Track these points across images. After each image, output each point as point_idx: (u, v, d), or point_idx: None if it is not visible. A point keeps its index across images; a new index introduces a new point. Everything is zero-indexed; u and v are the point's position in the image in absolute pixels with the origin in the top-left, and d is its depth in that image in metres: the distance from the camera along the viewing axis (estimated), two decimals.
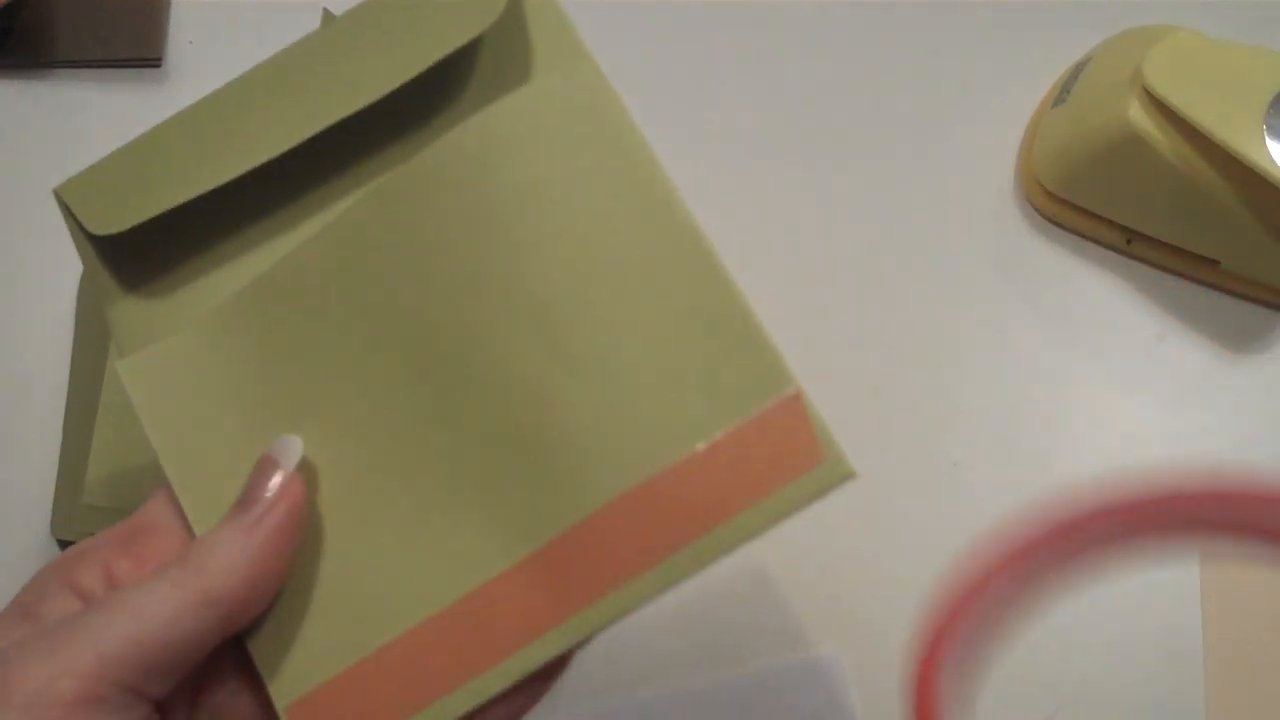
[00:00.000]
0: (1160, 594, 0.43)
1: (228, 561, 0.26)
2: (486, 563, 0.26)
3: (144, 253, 0.30)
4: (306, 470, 0.28)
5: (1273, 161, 0.39)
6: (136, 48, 0.49)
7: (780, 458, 0.24)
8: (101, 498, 0.40)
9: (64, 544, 0.41)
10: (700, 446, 0.25)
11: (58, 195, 0.30)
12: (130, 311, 0.30)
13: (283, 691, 0.27)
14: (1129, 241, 0.46)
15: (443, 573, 0.27)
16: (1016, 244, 0.48)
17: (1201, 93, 0.41)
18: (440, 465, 0.27)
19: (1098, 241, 0.47)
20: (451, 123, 0.28)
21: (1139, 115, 0.42)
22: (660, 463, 0.25)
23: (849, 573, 0.43)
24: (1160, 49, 0.42)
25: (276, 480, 0.27)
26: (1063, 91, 0.47)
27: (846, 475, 0.24)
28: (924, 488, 0.44)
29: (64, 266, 0.46)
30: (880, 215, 0.49)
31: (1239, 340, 0.46)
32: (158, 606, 0.25)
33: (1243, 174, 0.41)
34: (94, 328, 0.44)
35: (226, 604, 0.26)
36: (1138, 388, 0.46)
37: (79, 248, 0.30)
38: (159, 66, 0.49)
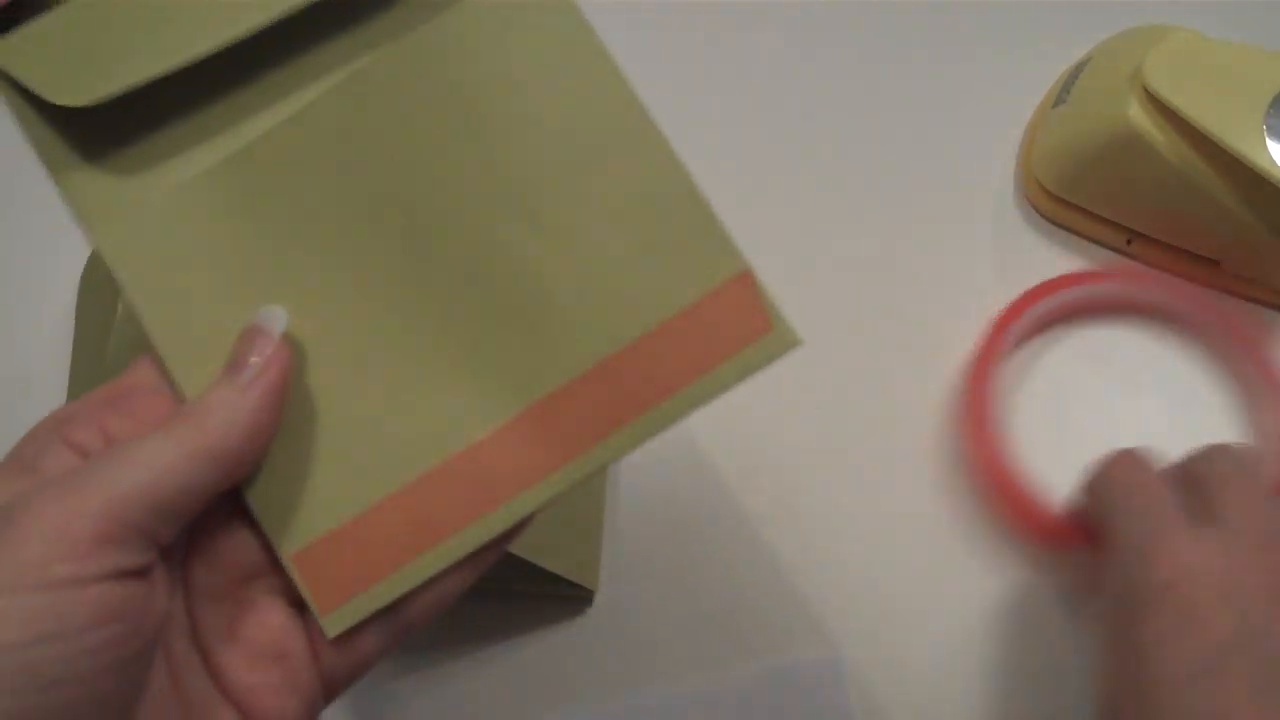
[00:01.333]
0: None
1: (225, 418, 0.27)
2: (480, 420, 0.29)
3: (101, 125, 0.30)
4: (293, 336, 0.29)
5: (1273, 162, 0.39)
6: None
7: (735, 327, 0.28)
8: None
9: None
10: (668, 317, 0.28)
11: None
12: (90, 185, 0.30)
13: (285, 542, 0.29)
14: (1129, 242, 0.46)
15: (438, 430, 0.29)
16: (1017, 244, 0.48)
17: (1201, 93, 0.41)
18: (428, 332, 0.29)
19: (1097, 242, 0.47)
20: (419, 11, 0.30)
21: (1139, 115, 0.42)
22: (630, 333, 0.29)
23: (849, 573, 0.43)
24: (1160, 49, 0.42)
25: (263, 345, 0.28)
26: (1063, 92, 0.47)
27: (793, 342, 0.28)
28: (924, 488, 0.45)
29: (64, 266, 0.46)
30: (881, 216, 0.49)
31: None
32: (164, 458, 0.26)
33: (1243, 174, 0.41)
34: (94, 328, 0.44)
35: (227, 458, 0.27)
36: (1137, 389, 0.46)
37: (21, 118, 0.30)
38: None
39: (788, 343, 0.28)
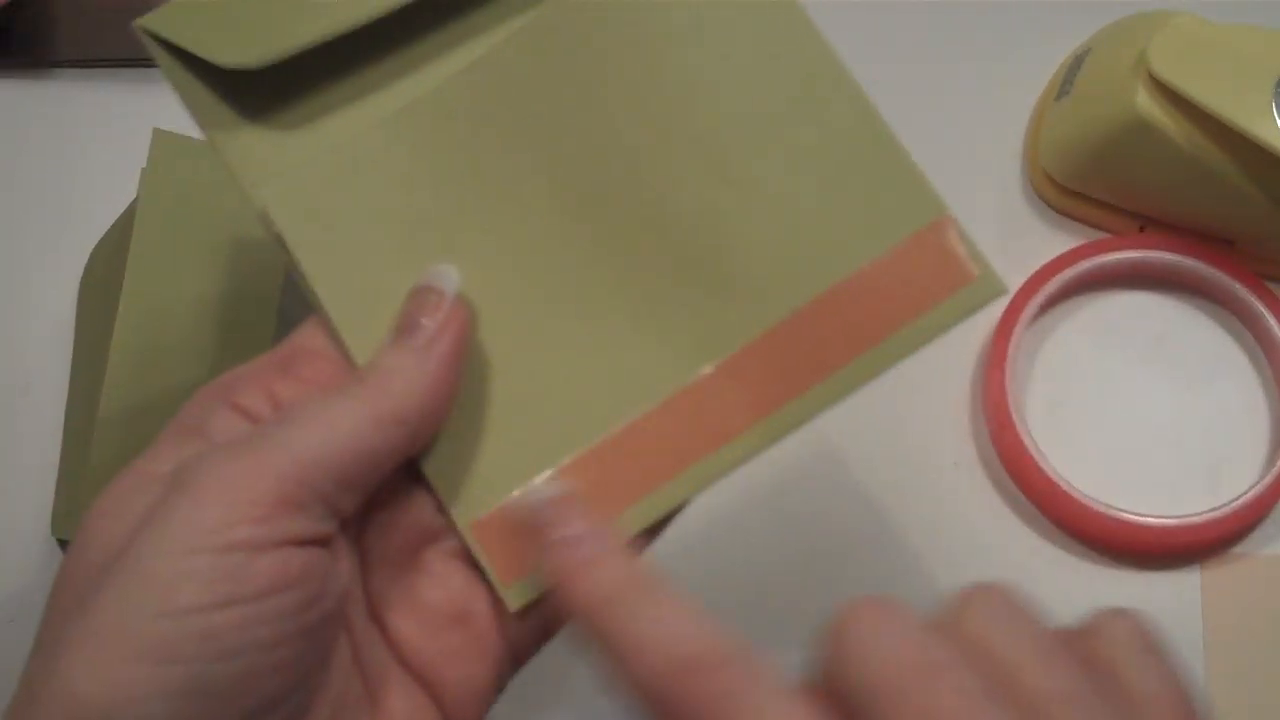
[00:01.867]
0: (1160, 594, 0.42)
1: (406, 383, 0.26)
2: (667, 378, 0.28)
3: (259, 86, 0.29)
4: (466, 295, 0.28)
5: None
6: (136, 48, 0.48)
7: (936, 275, 0.27)
8: None
9: (64, 544, 0.41)
10: (863, 265, 0.27)
11: (141, 27, 0.29)
12: (253, 147, 0.29)
13: (463, 512, 0.28)
14: (1141, 228, 0.46)
15: (621, 390, 0.28)
16: (1028, 238, 0.47)
17: (1208, 76, 0.40)
18: (608, 287, 0.28)
19: (1110, 231, 0.47)
20: None
21: (1146, 102, 0.42)
22: (825, 282, 0.27)
23: (849, 573, 0.43)
24: (1163, 35, 0.42)
25: (436, 305, 0.27)
26: (1065, 83, 0.47)
27: (999, 290, 0.27)
28: (924, 488, 0.44)
29: (64, 267, 0.46)
30: None
31: (1242, 338, 0.46)
32: (349, 421, 0.25)
33: (1255, 154, 0.40)
34: (94, 328, 0.44)
35: (412, 422, 0.26)
36: (1149, 379, 0.45)
37: (179, 85, 0.29)
38: (159, 66, 0.49)
39: (994, 290, 0.27)
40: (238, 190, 0.29)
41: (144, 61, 0.49)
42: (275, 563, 0.24)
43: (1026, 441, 0.43)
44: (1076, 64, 0.47)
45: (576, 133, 0.28)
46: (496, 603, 0.28)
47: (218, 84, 0.29)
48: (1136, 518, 0.42)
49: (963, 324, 0.45)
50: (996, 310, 0.45)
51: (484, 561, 0.27)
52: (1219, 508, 0.42)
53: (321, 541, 0.25)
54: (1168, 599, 0.42)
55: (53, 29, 0.49)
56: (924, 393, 0.45)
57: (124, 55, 0.49)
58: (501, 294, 0.28)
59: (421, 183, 0.28)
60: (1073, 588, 0.43)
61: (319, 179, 0.28)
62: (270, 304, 0.39)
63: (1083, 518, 0.42)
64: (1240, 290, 0.44)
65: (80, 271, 0.46)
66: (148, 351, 0.38)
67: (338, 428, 0.25)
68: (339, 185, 0.28)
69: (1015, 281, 0.45)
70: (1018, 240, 0.47)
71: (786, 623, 0.42)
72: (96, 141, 0.48)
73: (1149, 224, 0.46)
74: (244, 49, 0.28)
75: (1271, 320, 0.44)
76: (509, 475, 0.28)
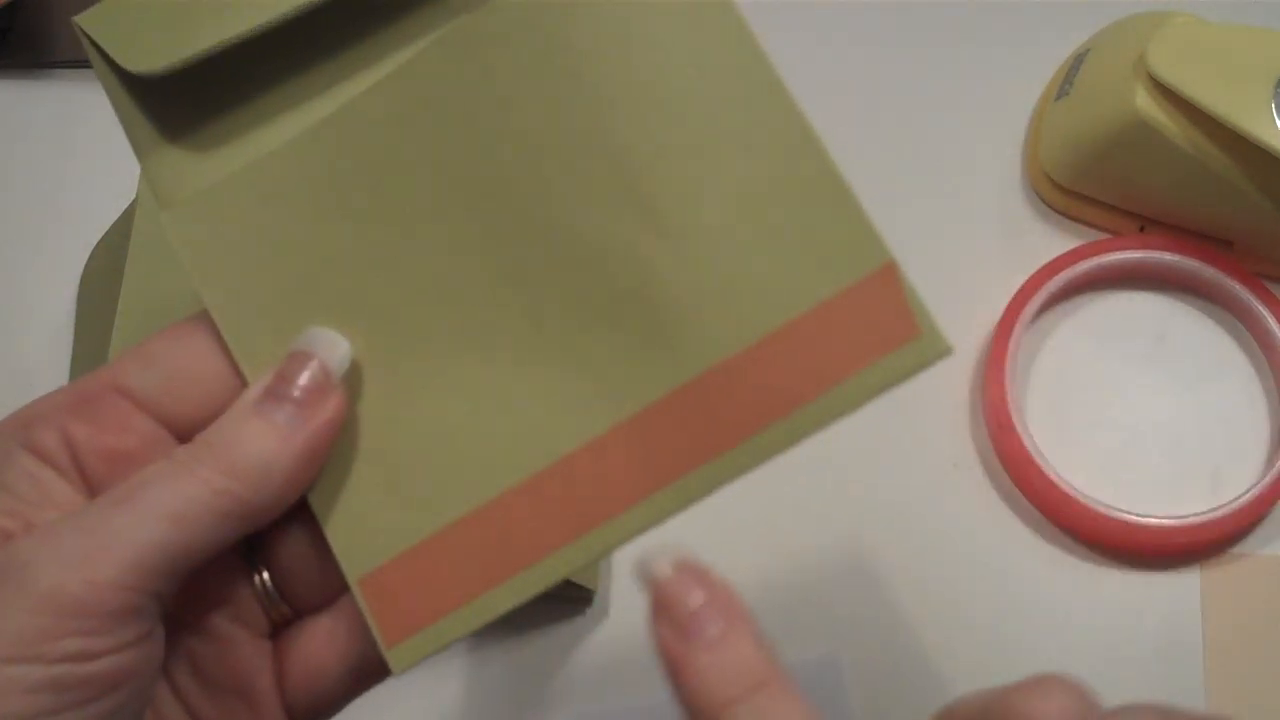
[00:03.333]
0: (1160, 594, 0.42)
1: (263, 468, 0.24)
2: (573, 430, 0.25)
3: (181, 99, 0.28)
4: (370, 337, 0.26)
5: None
6: None
7: (876, 330, 0.24)
8: None
9: None
10: (798, 315, 0.24)
11: (78, 25, 0.27)
12: (168, 162, 0.28)
13: (355, 564, 0.26)
14: (1141, 228, 0.46)
15: (526, 442, 0.25)
16: (1028, 238, 0.47)
17: (1207, 77, 0.40)
18: (519, 331, 0.26)
19: (1110, 232, 0.47)
20: None
21: (1146, 103, 0.42)
22: (756, 331, 0.24)
23: (848, 573, 0.43)
24: (1162, 35, 0.42)
25: (320, 386, 0.25)
26: (1065, 84, 0.47)
27: (944, 351, 0.24)
28: (923, 488, 0.44)
29: (64, 266, 0.46)
30: (885, 216, 0.48)
31: (1242, 338, 0.46)
32: (192, 511, 0.23)
33: (1254, 155, 0.40)
34: (94, 328, 0.44)
35: (260, 513, 0.24)
36: (1149, 379, 0.45)
37: (109, 90, 0.28)
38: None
39: (937, 351, 0.23)
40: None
41: None
42: (105, 669, 0.23)
43: (1026, 441, 0.42)
44: (1076, 64, 0.47)
45: (490, 157, 0.26)
46: (281, 675, 0.27)
47: (145, 92, 0.28)
48: (1136, 518, 0.42)
49: (963, 325, 0.46)
50: (996, 310, 0.45)
51: (370, 620, 0.26)
52: (1219, 508, 0.42)
53: (149, 633, 0.24)
54: (1167, 599, 0.42)
55: (53, 29, 0.49)
56: (924, 393, 0.45)
57: None
58: (402, 334, 0.26)
59: (323, 210, 0.27)
60: (1073, 588, 0.43)
61: (220, 203, 0.27)
62: None
63: (1083, 518, 0.42)
64: (1240, 290, 0.44)
65: (80, 271, 0.46)
66: None
67: (176, 514, 0.23)
68: (239, 210, 0.27)
69: (1015, 281, 0.45)
70: (1018, 240, 0.47)
71: (785, 623, 0.42)
72: (96, 141, 0.48)
73: (1149, 224, 0.46)
74: (154, 53, 0.26)
75: (1271, 320, 0.44)
76: (401, 528, 0.26)
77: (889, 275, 0.24)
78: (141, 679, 0.24)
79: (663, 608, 0.23)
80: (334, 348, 0.26)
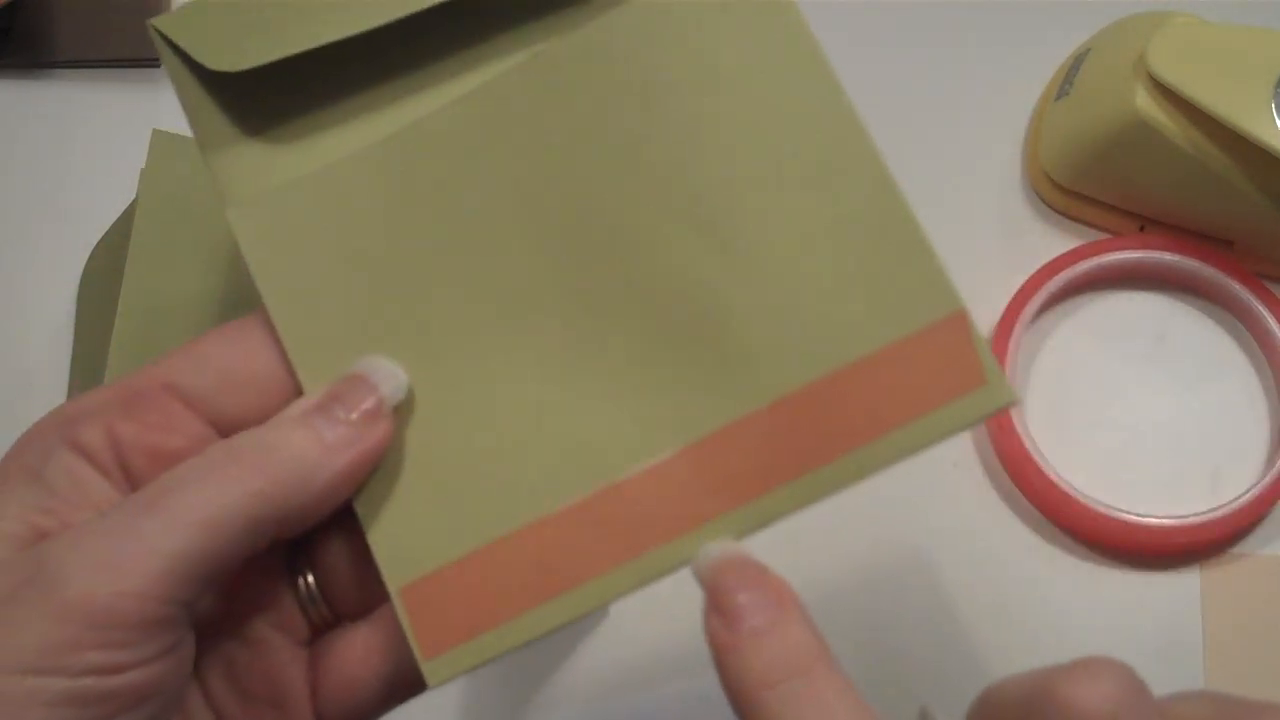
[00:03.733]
0: (1160, 594, 0.42)
1: (302, 476, 0.24)
2: (635, 452, 0.25)
3: (258, 98, 0.28)
4: (430, 349, 0.26)
5: None
6: (136, 48, 0.49)
7: (942, 376, 0.24)
8: None
9: None
10: (863, 355, 0.25)
11: (154, 28, 0.28)
12: (237, 159, 0.28)
13: (397, 573, 0.26)
14: (1141, 228, 0.46)
15: (584, 461, 0.25)
16: (1028, 238, 0.47)
17: (1207, 76, 0.40)
18: (584, 352, 0.26)
19: (1110, 232, 0.47)
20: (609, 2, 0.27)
21: (1146, 103, 0.42)
22: (821, 368, 0.25)
23: (848, 573, 0.43)
24: (1162, 35, 0.42)
25: (374, 412, 0.25)
26: (1065, 84, 0.47)
27: (1008, 401, 0.24)
28: (923, 488, 0.44)
29: (64, 266, 0.46)
30: None
31: (1242, 338, 0.46)
32: (224, 516, 0.23)
33: (1255, 155, 0.40)
34: (94, 328, 0.44)
35: (292, 521, 0.24)
36: (1149, 379, 0.45)
37: (180, 89, 0.28)
38: (159, 66, 0.49)
39: (1002, 400, 0.24)
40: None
41: (144, 61, 0.49)
42: (132, 682, 0.22)
43: (1026, 441, 0.42)
44: (1076, 64, 0.47)
45: (566, 179, 0.26)
46: (315, 684, 0.27)
47: (219, 92, 0.28)
48: (1136, 518, 0.42)
49: None
50: (996, 310, 0.45)
51: (408, 630, 0.25)
52: (1219, 508, 0.42)
53: (178, 644, 0.23)
54: (1168, 599, 0.42)
55: (53, 29, 0.49)
56: None
57: (124, 55, 0.49)
58: (462, 348, 0.26)
59: (393, 221, 0.27)
60: (1073, 588, 0.43)
61: (289, 204, 0.27)
62: None
63: (1083, 518, 0.42)
64: (1240, 290, 0.44)
65: (80, 271, 0.46)
66: (148, 351, 0.38)
67: (209, 520, 0.23)
68: (308, 213, 0.27)
69: (1015, 281, 0.45)
70: (1018, 240, 0.47)
71: None
72: (96, 141, 0.48)
73: (1149, 224, 0.46)
74: (236, 54, 0.27)
75: (1271, 320, 0.44)
76: (448, 539, 0.26)
77: (959, 322, 0.24)
78: (167, 693, 0.23)
79: (714, 600, 0.23)
80: (391, 379, 0.26)
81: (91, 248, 0.45)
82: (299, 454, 0.24)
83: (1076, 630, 0.42)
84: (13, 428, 0.44)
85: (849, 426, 0.24)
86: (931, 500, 0.44)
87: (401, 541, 0.26)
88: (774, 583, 0.23)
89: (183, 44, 0.27)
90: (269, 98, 0.28)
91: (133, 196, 0.40)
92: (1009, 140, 0.49)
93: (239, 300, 0.40)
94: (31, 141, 0.48)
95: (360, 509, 0.26)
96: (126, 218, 0.41)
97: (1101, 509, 0.42)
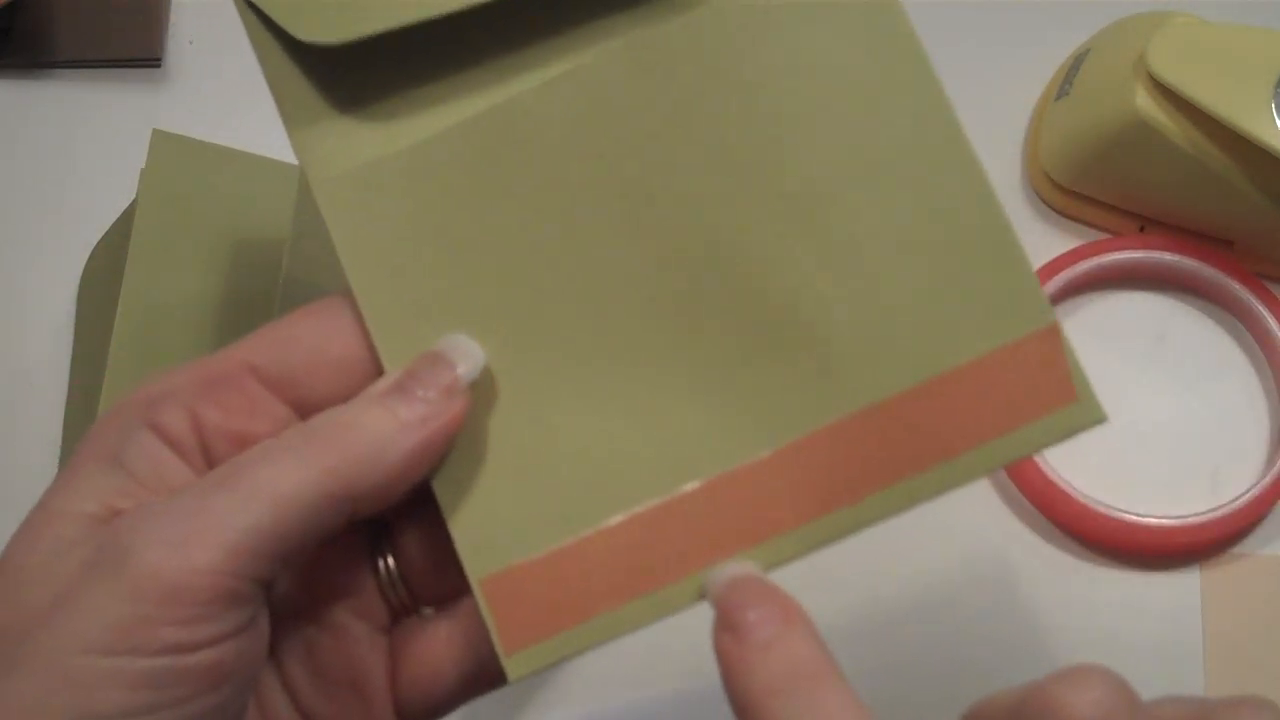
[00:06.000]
0: (1160, 594, 0.42)
1: (376, 453, 0.23)
2: (727, 453, 0.25)
3: (345, 74, 0.27)
4: (515, 337, 0.26)
5: None
6: (136, 48, 0.49)
7: (1034, 390, 0.24)
8: None
9: None
10: (958, 365, 0.25)
11: None
12: (322, 135, 0.27)
13: (478, 564, 0.25)
14: (1141, 228, 0.46)
15: (672, 460, 0.25)
16: (1028, 238, 0.46)
17: (1207, 76, 0.40)
18: (672, 346, 0.26)
19: (1110, 232, 0.47)
20: None
21: (1146, 103, 0.42)
22: (918, 375, 0.25)
23: (847, 574, 0.43)
24: (1162, 35, 0.42)
25: (442, 381, 0.24)
26: (1065, 84, 0.47)
27: (1099, 418, 0.24)
28: None
29: (64, 266, 0.46)
30: None
31: (1242, 338, 0.46)
32: (296, 493, 0.22)
33: (1255, 155, 0.40)
34: (94, 327, 0.44)
35: (367, 499, 0.24)
36: (1149, 379, 0.45)
37: (264, 60, 0.27)
38: (159, 66, 0.49)
39: (1093, 418, 0.24)
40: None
41: (144, 61, 0.49)
42: (206, 662, 0.22)
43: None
44: (1076, 64, 0.47)
45: (660, 167, 0.26)
46: (395, 672, 0.27)
47: (306, 64, 0.27)
48: (1136, 518, 0.42)
49: None
50: None
51: (490, 623, 0.25)
52: (1219, 508, 0.42)
53: (251, 622, 0.23)
54: (1168, 599, 0.42)
55: (53, 29, 0.49)
56: None
57: (124, 55, 0.49)
58: (549, 338, 0.26)
59: (481, 203, 0.26)
60: (1073, 588, 0.43)
61: (375, 181, 0.27)
62: (270, 304, 0.39)
63: (1083, 518, 0.42)
64: (1240, 290, 0.44)
65: (80, 271, 0.46)
66: (148, 351, 0.38)
67: (283, 505, 0.22)
68: (394, 191, 0.26)
69: None
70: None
71: None
72: (96, 141, 0.48)
73: (1149, 224, 0.46)
74: (328, 27, 0.26)
75: (1271, 320, 0.44)
76: (533, 532, 0.25)
77: (1052, 337, 0.25)
78: (243, 675, 0.23)
79: (725, 618, 0.24)
80: (469, 356, 0.25)
81: (91, 248, 0.45)
82: (372, 431, 0.24)
83: (1076, 630, 0.42)
84: (13, 428, 0.45)
85: (940, 437, 0.24)
86: (931, 500, 0.44)
87: (484, 533, 0.25)
88: (781, 599, 0.24)
89: (269, 10, 0.27)
90: (356, 74, 0.27)
91: (133, 196, 0.40)
92: (1009, 140, 0.49)
93: (239, 300, 0.40)
94: (31, 141, 0.48)
95: (442, 497, 0.26)
96: (126, 218, 0.41)
97: (1101, 509, 0.42)
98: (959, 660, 0.42)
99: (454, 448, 0.25)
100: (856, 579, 0.43)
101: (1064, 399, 0.24)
